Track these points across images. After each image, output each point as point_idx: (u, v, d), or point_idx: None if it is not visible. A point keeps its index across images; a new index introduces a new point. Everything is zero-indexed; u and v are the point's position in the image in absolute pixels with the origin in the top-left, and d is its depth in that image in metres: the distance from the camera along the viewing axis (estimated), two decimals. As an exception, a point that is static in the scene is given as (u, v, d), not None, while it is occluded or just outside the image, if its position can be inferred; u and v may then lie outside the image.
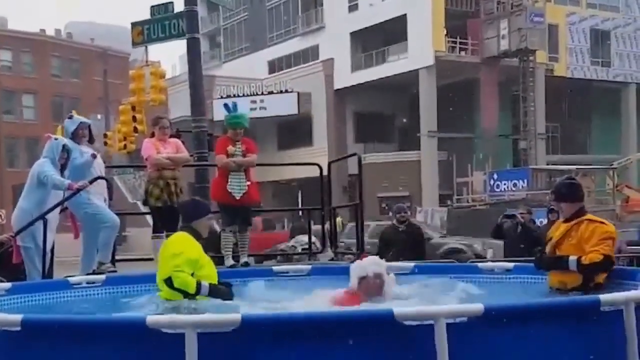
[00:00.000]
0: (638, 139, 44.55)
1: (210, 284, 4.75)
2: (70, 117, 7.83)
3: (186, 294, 4.63)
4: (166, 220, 7.78)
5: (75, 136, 7.60)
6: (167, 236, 7.77)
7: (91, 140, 7.81)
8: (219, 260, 8.11)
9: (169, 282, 4.58)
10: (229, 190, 7.75)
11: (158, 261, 4.97)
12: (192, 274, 4.73)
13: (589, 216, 5.19)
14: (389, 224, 10.48)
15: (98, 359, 3.36)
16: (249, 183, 7.90)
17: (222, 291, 4.82)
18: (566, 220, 5.23)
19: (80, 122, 7.67)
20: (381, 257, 9.51)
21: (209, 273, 4.86)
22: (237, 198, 7.80)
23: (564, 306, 3.75)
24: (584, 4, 44.80)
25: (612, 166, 33.61)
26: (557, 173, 34.11)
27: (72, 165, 7.45)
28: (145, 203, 7.97)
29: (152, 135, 8.08)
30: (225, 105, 8.18)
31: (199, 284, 4.65)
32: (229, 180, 7.82)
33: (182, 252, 4.67)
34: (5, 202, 42.70)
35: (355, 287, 4.98)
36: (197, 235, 4.97)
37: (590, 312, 3.62)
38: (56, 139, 7.60)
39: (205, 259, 4.91)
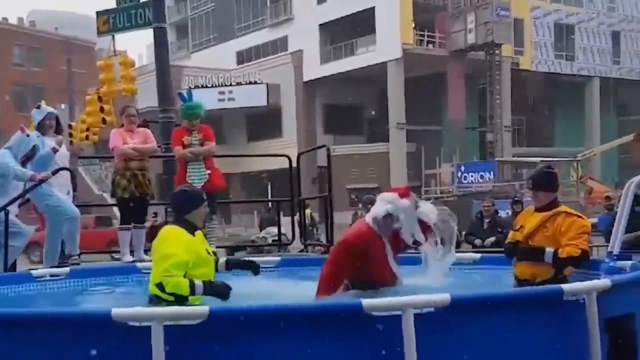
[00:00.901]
0: (601, 131, 45.25)
1: (204, 282, 4.52)
2: (38, 107, 7.68)
3: (179, 297, 4.42)
4: (134, 212, 7.67)
5: (41, 126, 7.46)
6: (134, 227, 7.70)
7: (58, 131, 7.66)
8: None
9: (160, 287, 4.39)
10: (189, 182, 7.48)
11: (152, 254, 4.76)
12: (185, 274, 4.51)
13: (565, 208, 5.14)
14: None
15: (64, 352, 3.32)
16: (209, 171, 7.71)
17: (217, 287, 4.57)
18: (539, 210, 5.15)
19: (48, 113, 7.52)
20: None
21: (205, 272, 4.64)
22: (198, 188, 7.65)
23: (528, 296, 3.80)
24: (549, -2, 45.38)
25: (576, 158, 34.11)
26: (522, 165, 34.60)
27: (36, 156, 7.32)
28: (112, 195, 7.84)
29: (122, 125, 7.94)
30: (180, 94, 7.95)
31: (192, 284, 4.44)
32: (188, 171, 7.65)
33: (173, 254, 4.43)
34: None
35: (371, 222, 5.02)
36: (192, 228, 4.71)
37: (554, 302, 3.68)
38: (28, 135, 7.43)
39: (200, 256, 4.65)
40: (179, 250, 4.47)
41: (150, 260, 7.18)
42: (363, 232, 5.01)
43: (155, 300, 4.45)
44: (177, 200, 4.84)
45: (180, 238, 4.57)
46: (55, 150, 7.35)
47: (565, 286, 3.72)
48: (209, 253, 4.86)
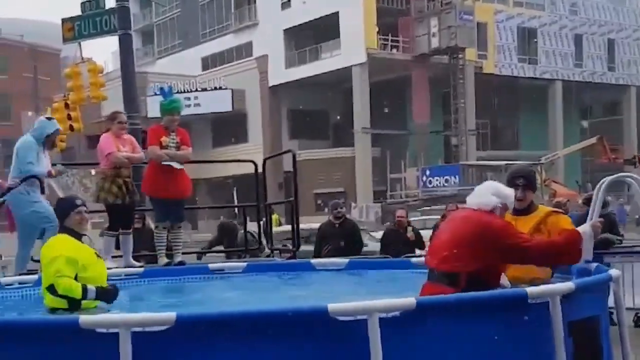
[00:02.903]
0: (564, 134, 45.88)
1: (96, 287, 4.52)
2: (50, 119, 7.59)
3: (71, 301, 4.39)
4: (122, 218, 7.61)
5: (48, 141, 7.36)
6: (121, 235, 7.65)
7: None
8: (152, 259, 7.98)
9: (52, 289, 4.35)
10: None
11: (42, 267, 4.70)
12: (76, 277, 4.49)
13: (548, 208, 5.06)
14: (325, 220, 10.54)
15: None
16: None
17: (109, 293, 4.61)
18: (523, 212, 4.85)
19: (57, 129, 7.44)
20: (318, 253, 9.68)
21: (96, 274, 4.62)
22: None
23: (493, 299, 3.80)
24: (511, 2, 45.91)
25: (540, 162, 34.59)
26: (487, 169, 34.96)
27: (24, 169, 7.12)
28: (97, 200, 7.65)
29: (107, 130, 7.81)
30: (161, 89, 7.76)
31: (84, 288, 4.43)
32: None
33: (60, 254, 4.45)
34: None
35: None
36: (76, 234, 4.73)
37: (518, 305, 3.71)
38: None
39: (89, 259, 4.65)
40: (63, 250, 4.51)
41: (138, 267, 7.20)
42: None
43: (52, 312, 4.45)
44: (57, 209, 4.97)
45: (64, 241, 4.63)
46: (50, 175, 7.32)
47: (529, 289, 3.74)
48: (98, 256, 4.89)
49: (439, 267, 4.27)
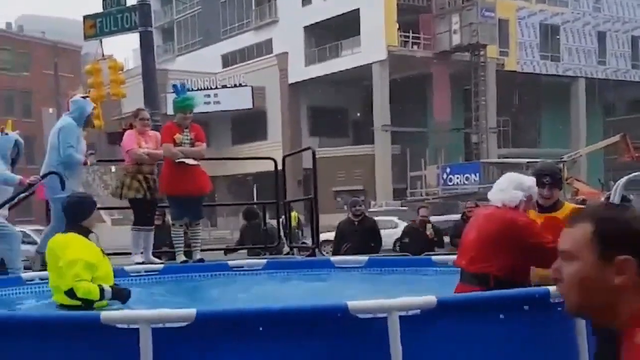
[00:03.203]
0: (587, 132, 45.44)
1: (111, 287, 4.65)
2: (86, 97, 7.68)
3: (87, 302, 4.48)
4: (145, 213, 7.63)
5: (87, 119, 7.44)
6: (142, 229, 7.69)
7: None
8: (172, 256, 8.00)
9: (70, 293, 4.43)
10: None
11: (49, 264, 4.75)
12: (92, 279, 4.60)
13: (569, 205, 5.04)
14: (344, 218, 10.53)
15: (53, 355, 3.33)
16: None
17: (124, 293, 4.72)
18: (548, 209, 4.80)
19: (93, 107, 7.51)
20: (337, 251, 9.67)
21: (106, 273, 4.72)
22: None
23: (514, 298, 3.76)
24: (534, -1, 45.59)
25: (562, 160, 34.28)
26: (508, 166, 34.71)
27: (65, 152, 7.17)
28: (120, 196, 7.67)
29: (131, 126, 7.86)
30: (174, 86, 7.76)
31: (101, 290, 4.53)
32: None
33: (79, 258, 4.52)
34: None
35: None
36: (87, 232, 4.82)
37: (540, 304, 3.68)
38: (7, 134, 7.39)
39: (98, 258, 4.74)
40: (83, 254, 4.57)
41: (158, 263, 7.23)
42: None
43: (62, 309, 4.51)
44: (75, 208, 4.89)
45: (81, 243, 4.68)
46: (85, 164, 7.37)
47: (552, 287, 3.65)
48: (104, 254, 4.97)
49: (467, 268, 4.28)
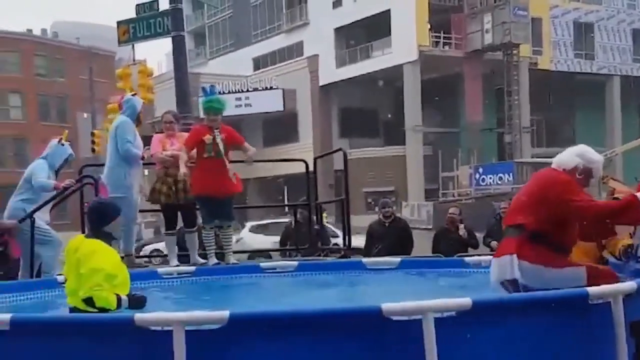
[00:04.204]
0: (623, 131, 44.78)
1: (128, 296, 4.68)
2: (135, 94, 7.89)
3: (103, 310, 4.48)
4: (183, 217, 7.66)
5: (137, 116, 7.56)
6: (187, 232, 7.72)
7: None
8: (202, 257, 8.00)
9: (89, 302, 4.44)
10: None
11: (68, 265, 4.75)
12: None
13: None
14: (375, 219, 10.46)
15: (87, 357, 3.35)
16: (234, 173, 7.41)
17: (140, 301, 4.73)
18: None
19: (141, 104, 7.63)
20: (368, 252, 9.62)
21: (123, 280, 4.74)
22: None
23: (552, 300, 3.71)
24: (567, -3, 45.05)
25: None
26: (542, 166, 34.27)
27: (123, 147, 7.33)
28: (152, 201, 7.76)
29: (160, 131, 7.95)
30: (203, 88, 7.76)
31: (118, 299, 4.56)
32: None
33: (101, 268, 4.52)
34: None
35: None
36: (110, 238, 4.84)
37: (579, 305, 3.63)
38: (63, 144, 7.50)
39: (119, 265, 4.77)
40: (106, 264, 4.57)
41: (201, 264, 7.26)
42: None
43: (76, 312, 4.51)
44: (99, 213, 4.88)
45: (105, 251, 4.68)
46: (142, 158, 7.45)
47: (590, 289, 3.66)
48: (122, 260, 5.05)
49: (509, 222, 4.46)
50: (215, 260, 7.57)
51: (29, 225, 7.04)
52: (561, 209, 4.23)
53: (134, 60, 16.82)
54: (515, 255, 4.22)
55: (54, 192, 7.47)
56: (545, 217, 4.23)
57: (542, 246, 4.22)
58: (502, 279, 4.33)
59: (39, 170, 7.28)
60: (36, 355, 3.43)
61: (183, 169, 7.14)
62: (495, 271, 4.42)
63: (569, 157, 4.42)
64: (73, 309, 4.54)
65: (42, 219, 7.27)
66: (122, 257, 7.19)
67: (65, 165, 7.63)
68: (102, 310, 4.45)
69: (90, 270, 4.51)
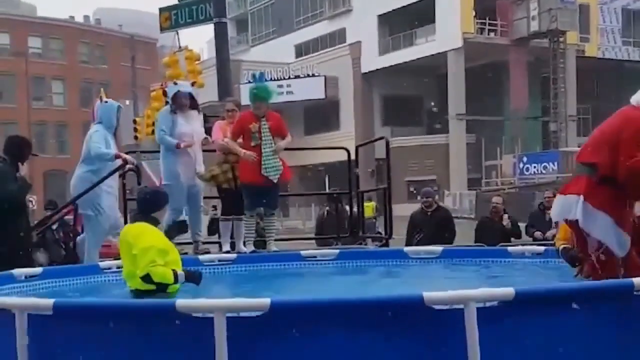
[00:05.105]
0: (671, 120, 43.64)
1: (184, 271, 4.89)
2: (176, 83, 8.06)
3: (161, 286, 4.70)
4: (231, 203, 7.70)
5: (177, 104, 7.61)
6: (233, 220, 7.80)
7: (194, 106, 7.77)
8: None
9: (147, 278, 4.65)
10: (264, 174, 7.20)
11: (122, 252, 4.95)
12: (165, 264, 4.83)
13: None
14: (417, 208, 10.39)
15: (129, 343, 3.39)
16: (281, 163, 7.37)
17: (196, 276, 4.97)
18: None
19: (178, 90, 7.68)
20: (409, 241, 9.57)
21: (175, 257, 4.93)
22: (275, 181, 7.32)
23: (596, 290, 3.63)
24: (616, -17, 44.02)
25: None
26: (587, 155, 33.72)
27: (157, 136, 7.59)
28: (216, 183, 7.83)
29: (222, 118, 8.04)
30: (253, 75, 7.95)
31: (175, 273, 4.75)
32: (264, 162, 7.21)
33: (152, 245, 4.74)
34: (36, 188, 43.22)
35: None
36: (156, 223, 5.04)
37: (623, 296, 3.54)
38: (106, 101, 7.45)
39: (168, 244, 4.97)
40: (156, 241, 4.81)
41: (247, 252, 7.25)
42: None
43: (138, 294, 4.74)
44: (151, 200, 5.12)
45: (153, 230, 4.91)
46: (178, 146, 7.44)
47: (636, 280, 3.54)
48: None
49: (582, 158, 4.31)
50: (252, 248, 7.60)
51: (92, 200, 7.03)
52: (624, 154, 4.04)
53: (179, 47, 16.92)
54: (582, 197, 4.10)
55: (118, 163, 7.28)
56: (615, 159, 4.04)
57: (611, 191, 4.05)
58: (565, 217, 4.29)
59: (96, 137, 7.13)
60: (78, 340, 3.48)
61: (242, 151, 7.23)
62: (558, 208, 4.36)
63: None
64: (134, 292, 4.76)
65: (103, 197, 7.12)
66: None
67: (118, 125, 7.52)
68: (161, 285, 4.65)
69: (142, 250, 4.72)
